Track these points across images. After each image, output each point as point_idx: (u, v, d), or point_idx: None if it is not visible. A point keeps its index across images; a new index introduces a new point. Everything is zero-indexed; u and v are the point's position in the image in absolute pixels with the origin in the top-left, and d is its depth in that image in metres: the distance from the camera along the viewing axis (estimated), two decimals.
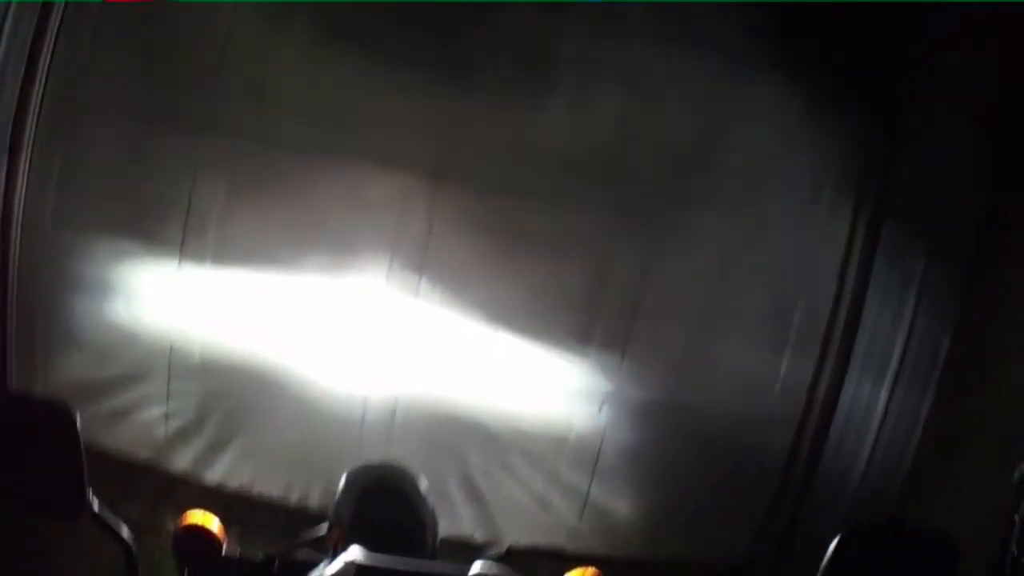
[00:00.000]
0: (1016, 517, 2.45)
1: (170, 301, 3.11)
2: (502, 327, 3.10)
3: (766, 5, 2.97)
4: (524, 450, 3.18)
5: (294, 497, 3.25)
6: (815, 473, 3.06)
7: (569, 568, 1.57)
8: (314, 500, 3.21)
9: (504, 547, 2.19)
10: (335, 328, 3.13)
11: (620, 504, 3.24)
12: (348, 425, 3.15)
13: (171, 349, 3.13)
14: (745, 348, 3.18)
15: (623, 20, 3.00)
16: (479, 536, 3.18)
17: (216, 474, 3.24)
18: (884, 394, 3.01)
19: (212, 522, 1.66)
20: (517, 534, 2.95)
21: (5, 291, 3.02)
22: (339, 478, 1.70)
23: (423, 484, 1.70)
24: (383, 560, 1.44)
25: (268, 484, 3.24)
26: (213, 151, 3.01)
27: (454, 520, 3.13)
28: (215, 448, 3.22)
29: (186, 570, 1.69)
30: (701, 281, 3.15)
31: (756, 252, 3.14)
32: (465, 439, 3.16)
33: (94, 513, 1.52)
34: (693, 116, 3.09)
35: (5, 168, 2.90)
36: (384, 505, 1.65)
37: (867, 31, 3.11)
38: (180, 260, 3.07)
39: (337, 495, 1.68)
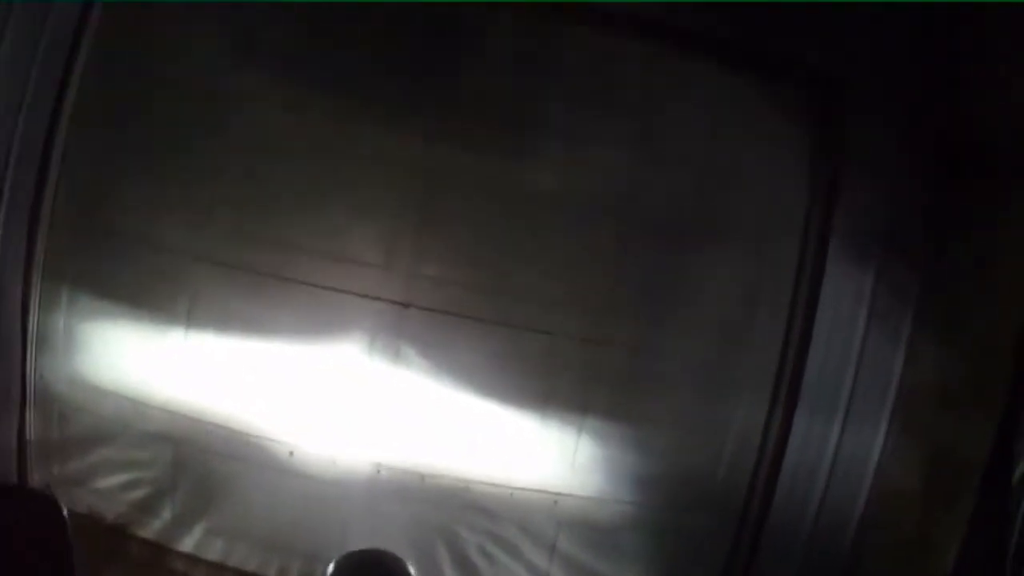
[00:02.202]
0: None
1: (173, 369, 3.15)
2: (474, 394, 3.12)
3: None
4: (509, 516, 3.18)
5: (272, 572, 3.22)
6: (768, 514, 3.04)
7: None
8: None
9: None
10: (317, 398, 3.15)
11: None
12: (329, 497, 3.14)
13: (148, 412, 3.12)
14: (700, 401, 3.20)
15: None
16: None
17: (190, 544, 3.21)
18: (836, 428, 2.99)
19: None
20: None
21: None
22: (322, 553, 1.65)
23: (413, 571, 1.74)
24: None
25: (246, 557, 3.22)
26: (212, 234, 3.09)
27: None
28: (190, 517, 3.20)
29: None
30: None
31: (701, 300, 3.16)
32: (450, 507, 3.16)
33: None
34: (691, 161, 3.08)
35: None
36: None
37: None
38: (187, 331, 3.12)
39: None
